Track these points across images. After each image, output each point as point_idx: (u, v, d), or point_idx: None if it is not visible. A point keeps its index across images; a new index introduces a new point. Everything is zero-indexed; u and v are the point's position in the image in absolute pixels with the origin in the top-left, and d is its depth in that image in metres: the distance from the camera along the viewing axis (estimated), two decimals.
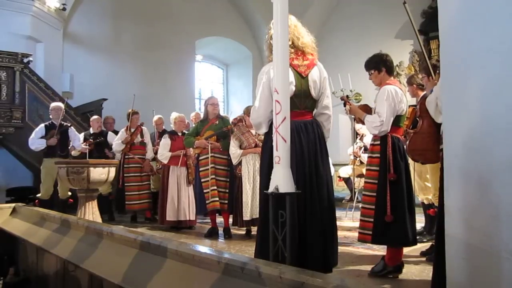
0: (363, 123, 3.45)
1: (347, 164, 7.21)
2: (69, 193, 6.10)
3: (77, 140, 6.26)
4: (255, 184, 4.71)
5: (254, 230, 4.82)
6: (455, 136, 1.80)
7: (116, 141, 6.44)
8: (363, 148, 6.34)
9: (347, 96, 4.17)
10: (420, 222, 4.12)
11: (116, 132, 6.82)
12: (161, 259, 1.96)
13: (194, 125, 6.10)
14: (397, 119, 3.25)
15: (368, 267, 3.39)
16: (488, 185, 1.52)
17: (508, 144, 1.40)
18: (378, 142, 3.26)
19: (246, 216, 4.74)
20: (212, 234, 5.12)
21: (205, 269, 1.68)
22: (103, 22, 9.51)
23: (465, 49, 1.70)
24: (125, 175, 6.35)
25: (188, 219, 5.63)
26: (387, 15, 9.05)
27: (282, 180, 2.12)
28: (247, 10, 11.49)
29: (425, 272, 3.27)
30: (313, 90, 2.66)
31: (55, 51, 8.59)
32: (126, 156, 6.40)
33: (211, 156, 5.08)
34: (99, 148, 6.62)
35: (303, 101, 2.65)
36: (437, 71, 3.51)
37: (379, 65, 3.35)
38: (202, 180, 5.09)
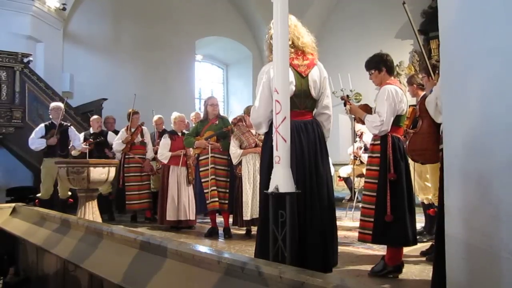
0: (363, 123, 3.44)
1: (347, 164, 7.21)
2: (69, 193, 6.10)
3: (77, 140, 6.26)
4: (255, 184, 4.71)
5: (254, 230, 4.82)
6: (455, 136, 1.80)
7: (116, 141, 6.44)
8: (363, 148, 6.34)
9: (347, 96, 4.16)
10: (420, 222, 4.12)
11: (116, 132, 6.82)
12: (161, 259, 1.96)
13: (194, 125, 6.10)
14: (397, 119, 3.25)
15: (368, 267, 3.39)
16: (488, 185, 1.52)
17: (508, 144, 1.40)
18: (378, 142, 3.26)
19: (246, 216, 4.74)
20: (212, 234, 5.12)
21: (205, 269, 1.68)
22: (103, 22, 9.51)
23: (465, 49, 1.70)
24: (125, 175, 6.35)
25: (188, 219, 5.63)
26: (387, 15, 9.05)
27: (282, 180, 2.12)
28: (247, 10, 11.49)
29: (425, 272, 3.27)
30: (313, 90, 2.66)
31: (55, 51, 8.58)
32: (127, 156, 6.41)
33: (211, 156, 5.08)
34: (99, 148, 6.62)
35: (303, 101, 2.65)
36: (437, 71, 3.51)
37: (380, 65, 3.35)
38: (202, 180, 5.09)
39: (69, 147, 6.12)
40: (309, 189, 2.52)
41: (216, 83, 12.99)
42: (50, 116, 6.16)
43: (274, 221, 2.13)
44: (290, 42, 2.47)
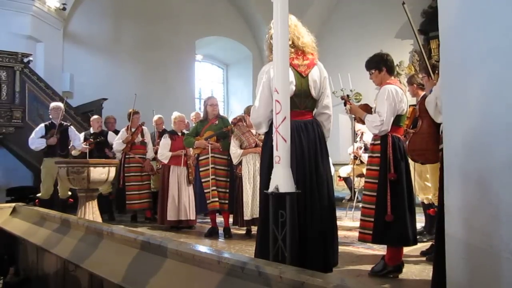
0: (363, 122, 3.44)
1: (347, 164, 7.21)
2: (69, 193, 6.10)
3: (77, 140, 6.27)
4: (255, 183, 4.71)
5: (254, 229, 4.82)
6: (455, 136, 1.80)
7: (116, 141, 6.45)
8: (363, 147, 6.34)
9: (347, 96, 4.16)
10: (420, 222, 4.12)
11: (116, 132, 6.83)
12: (161, 259, 1.96)
13: (194, 125, 6.11)
14: (398, 119, 3.25)
15: (368, 267, 3.39)
16: (488, 185, 1.52)
17: (508, 144, 1.40)
18: (379, 142, 3.26)
19: (247, 216, 4.75)
20: (212, 233, 5.12)
21: (205, 269, 1.68)
22: (103, 21, 9.51)
23: (465, 49, 1.70)
24: (125, 174, 6.36)
25: (188, 218, 5.63)
26: (387, 15, 9.04)
27: (282, 179, 2.12)
28: (247, 10, 11.49)
29: (425, 271, 3.27)
30: (313, 89, 2.66)
31: (55, 50, 8.59)
32: (127, 156, 6.41)
33: (211, 156, 5.08)
34: (99, 148, 6.63)
35: (303, 101, 2.65)
36: (436, 71, 3.51)
37: (380, 65, 3.35)
38: (202, 180, 5.09)
39: (69, 147, 6.12)
40: (309, 189, 2.52)
41: (216, 83, 12.99)
42: (50, 116, 6.16)
43: (274, 221, 2.13)
44: (290, 42, 2.47)
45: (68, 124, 6.31)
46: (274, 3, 2.19)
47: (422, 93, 4.16)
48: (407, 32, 8.22)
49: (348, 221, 6.26)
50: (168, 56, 10.31)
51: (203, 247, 1.79)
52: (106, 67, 9.38)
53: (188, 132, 5.83)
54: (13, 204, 4.55)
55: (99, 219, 4.62)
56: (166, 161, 5.75)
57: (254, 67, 11.72)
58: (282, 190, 2.10)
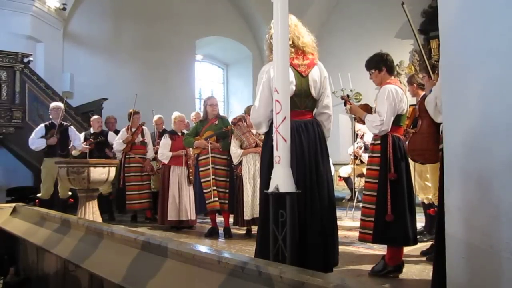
0: (363, 122, 3.44)
1: (347, 164, 7.21)
2: (70, 193, 6.10)
3: (78, 140, 6.27)
4: (256, 183, 4.71)
5: (254, 229, 4.82)
6: (455, 136, 1.80)
7: (117, 141, 6.45)
8: (363, 147, 6.33)
9: (348, 96, 4.16)
10: (420, 222, 4.12)
11: (117, 132, 6.83)
12: (161, 259, 1.96)
13: (193, 125, 6.11)
14: (398, 119, 3.25)
15: (369, 267, 3.39)
16: (488, 185, 1.52)
17: (508, 143, 1.40)
18: (379, 142, 3.26)
19: (247, 216, 4.75)
20: (212, 233, 5.13)
21: (205, 269, 1.68)
22: (103, 22, 9.51)
23: (465, 49, 1.70)
24: (125, 174, 6.36)
25: (189, 218, 5.63)
26: (387, 14, 9.04)
27: (282, 179, 2.12)
28: (247, 10, 11.49)
29: (426, 271, 3.27)
30: (314, 89, 2.66)
31: (55, 51, 8.59)
32: (127, 156, 6.42)
33: (211, 156, 5.08)
34: (99, 148, 6.63)
35: (304, 101, 2.65)
36: (436, 71, 3.51)
37: (380, 65, 3.35)
38: (202, 180, 5.09)
39: (69, 147, 6.12)
40: (309, 188, 2.52)
41: (216, 83, 12.99)
42: (50, 116, 6.17)
43: (274, 221, 2.13)
44: (290, 42, 2.47)
45: (68, 124, 6.31)
46: (274, 3, 2.19)
47: (422, 93, 4.16)
48: (407, 32, 8.20)
49: (348, 221, 6.26)
50: (168, 56, 10.31)
51: (203, 247, 1.79)
52: (106, 67, 9.39)
53: (188, 132, 5.83)
54: (13, 204, 4.55)
55: (99, 219, 4.62)
56: (166, 161, 5.75)
57: (254, 67, 11.71)
58: (282, 190, 2.10)
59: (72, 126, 6.39)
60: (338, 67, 7.88)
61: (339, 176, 7.39)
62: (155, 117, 7.13)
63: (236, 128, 5.10)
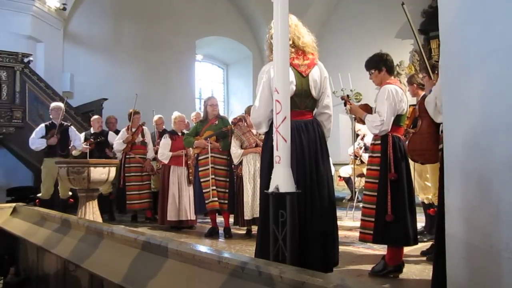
0: (363, 122, 3.44)
1: (347, 164, 7.21)
2: (70, 193, 6.10)
3: (78, 140, 6.27)
4: (256, 183, 4.71)
5: (254, 229, 4.82)
6: (456, 136, 1.80)
7: (117, 141, 6.45)
8: (363, 147, 6.33)
9: (348, 96, 4.16)
10: (420, 222, 4.12)
11: (117, 132, 6.83)
12: (161, 259, 1.96)
13: (194, 125, 6.11)
14: (398, 119, 3.25)
15: (369, 267, 3.39)
16: (488, 185, 1.52)
17: (508, 143, 1.40)
18: (379, 142, 3.26)
19: (247, 216, 4.75)
20: (212, 233, 5.12)
21: (205, 269, 1.68)
22: (104, 22, 9.52)
23: (465, 49, 1.70)
24: (125, 174, 6.36)
25: (189, 219, 5.63)
26: (387, 14, 9.05)
27: (282, 179, 2.12)
28: (247, 10, 11.49)
29: (426, 271, 3.27)
30: (314, 89, 2.66)
31: (55, 51, 8.59)
32: (127, 156, 6.42)
33: (210, 156, 5.08)
34: (99, 148, 6.64)
35: (304, 101, 2.65)
36: (436, 71, 3.50)
37: (380, 65, 3.35)
38: (202, 180, 5.09)
39: (70, 147, 6.12)
40: (309, 188, 2.52)
41: (216, 83, 12.99)
42: (51, 116, 6.17)
43: (274, 221, 2.13)
44: (290, 42, 2.47)
45: (69, 125, 6.31)
46: (274, 3, 2.19)
47: (422, 93, 4.16)
48: (407, 32, 8.19)
49: (349, 221, 6.26)
50: (168, 56, 10.31)
51: (203, 247, 1.79)
52: (106, 67, 9.39)
53: (188, 132, 5.83)
54: (13, 204, 4.56)
55: (100, 219, 4.62)
56: (166, 161, 5.75)
57: (254, 67, 11.72)
58: (282, 190, 2.10)
59: (72, 126, 6.39)
60: (338, 67, 7.89)
61: (339, 176, 7.39)
62: (155, 117, 7.13)
63: (236, 128, 5.10)
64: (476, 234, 1.60)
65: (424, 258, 3.73)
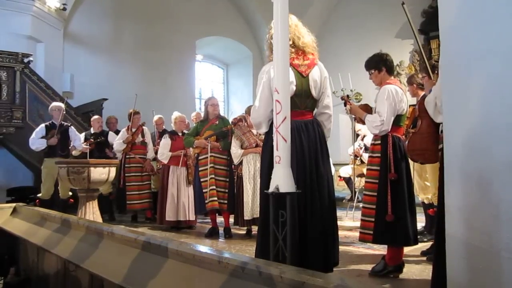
0: (363, 122, 3.44)
1: (347, 164, 7.21)
2: (70, 193, 6.10)
3: (78, 140, 6.27)
4: (256, 183, 4.71)
5: (254, 229, 4.82)
6: (456, 136, 1.80)
7: (117, 141, 6.45)
8: (363, 147, 6.33)
9: (348, 96, 4.16)
10: (420, 222, 4.12)
11: (117, 132, 6.83)
12: (161, 259, 1.96)
13: (194, 125, 6.11)
14: (398, 119, 3.25)
15: (369, 267, 3.39)
16: (488, 185, 1.52)
17: (508, 143, 1.40)
18: (379, 142, 3.26)
19: (247, 216, 4.75)
20: (212, 234, 5.12)
21: (205, 269, 1.68)
22: (104, 22, 9.52)
23: (465, 49, 1.70)
24: (126, 174, 6.36)
25: (188, 219, 5.63)
26: (387, 14, 9.05)
27: (282, 179, 2.12)
28: (247, 10, 11.49)
29: (426, 271, 3.27)
30: (314, 89, 2.66)
31: (55, 51, 8.59)
32: (127, 156, 6.42)
33: (210, 156, 5.08)
34: (99, 148, 6.63)
35: (304, 101, 2.65)
36: (436, 71, 3.51)
37: (379, 65, 3.35)
38: (202, 179, 5.09)
39: (70, 147, 6.12)
40: (309, 189, 2.52)
41: (216, 83, 12.99)
42: (52, 116, 6.16)
43: (274, 221, 2.13)
44: (290, 42, 2.47)
45: (69, 125, 6.32)
46: (274, 3, 2.19)
47: (422, 93, 4.16)
48: (407, 32, 8.19)
49: (349, 221, 6.26)
50: (168, 56, 10.32)
51: (203, 247, 1.79)
52: (106, 67, 9.39)
53: (188, 132, 5.83)
54: (13, 204, 4.56)
55: (100, 219, 4.62)
56: (166, 161, 5.76)
57: (254, 67, 11.72)
58: (282, 190, 2.10)
59: (72, 127, 6.40)
60: (338, 67, 7.89)
61: (339, 176, 7.39)
62: (155, 117, 7.13)
63: (236, 128, 5.10)
64: (476, 234, 1.60)
65: (424, 258, 3.73)
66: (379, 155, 3.24)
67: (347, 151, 7.19)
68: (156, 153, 6.38)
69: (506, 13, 1.43)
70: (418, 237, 3.45)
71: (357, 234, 3.46)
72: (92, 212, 4.62)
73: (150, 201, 6.47)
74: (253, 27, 11.76)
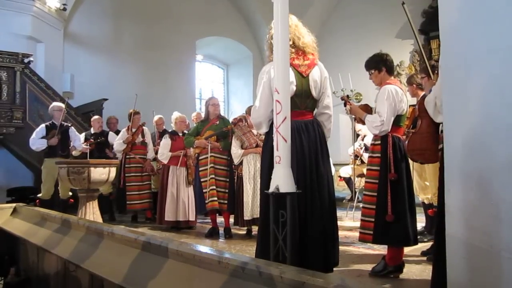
0: (363, 123, 3.44)
1: (347, 164, 7.21)
2: (70, 193, 6.10)
3: (78, 140, 6.28)
4: (256, 184, 4.71)
5: (255, 230, 4.82)
6: (456, 136, 1.80)
7: (117, 141, 6.46)
8: (363, 147, 6.33)
9: (348, 96, 4.17)
10: (420, 222, 4.12)
11: (118, 132, 6.83)
12: (162, 259, 1.96)
13: (194, 125, 6.11)
14: (398, 119, 3.25)
15: (369, 267, 3.39)
16: (488, 185, 1.52)
17: (509, 143, 1.40)
18: (379, 142, 3.26)
19: (247, 216, 4.75)
20: (212, 234, 5.12)
21: (206, 269, 1.68)
22: (104, 22, 9.52)
23: (465, 49, 1.70)
24: (126, 175, 6.37)
25: (187, 219, 5.63)
26: (387, 14, 9.04)
27: (282, 179, 2.12)
28: (248, 10, 11.49)
29: (426, 271, 3.27)
30: (314, 90, 2.66)
31: (55, 51, 8.59)
32: (127, 156, 6.42)
33: (210, 156, 5.08)
34: (100, 148, 6.63)
35: (304, 101, 2.65)
36: (436, 71, 3.51)
37: (379, 65, 3.35)
38: (202, 179, 5.09)
39: (70, 147, 6.12)
40: (309, 189, 2.52)
41: (216, 83, 12.99)
42: (54, 116, 6.16)
43: (274, 221, 2.13)
44: (290, 42, 2.47)
45: (69, 125, 6.32)
46: (275, 3, 2.19)
47: (421, 93, 4.16)
48: (407, 32, 8.19)
49: (349, 221, 6.26)
50: (169, 56, 10.31)
51: (203, 247, 1.79)
52: (107, 67, 9.39)
53: (188, 132, 5.83)
54: (13, 205, 4.56)
55: (100, 220, 4.62)
56: (166, 161, 5.76)
57: (254, 67, 11.71)
58: (282, 190, 2.10)
59: (72, 127, 6.40)
60: (338, 67, 7.89)
61: (340, 176, 7.39)
62: (156, 117, 7.14)
63: (236, 128, 5.10)
64: (476, 234, 1.60)
65: (424, 258, 3.73)
66: (379, 155, 3.24)
67: (347, 151, 7.19)
68: (156, 153, 6.38)
69: (506, 13, 1.43)
70: (418, 237, 3.45)
71: (357, 234, 3.46)
72: (92, 212, 4.62)
73: (150, 201, 6.47)
74: (253, 27, 11.76)
